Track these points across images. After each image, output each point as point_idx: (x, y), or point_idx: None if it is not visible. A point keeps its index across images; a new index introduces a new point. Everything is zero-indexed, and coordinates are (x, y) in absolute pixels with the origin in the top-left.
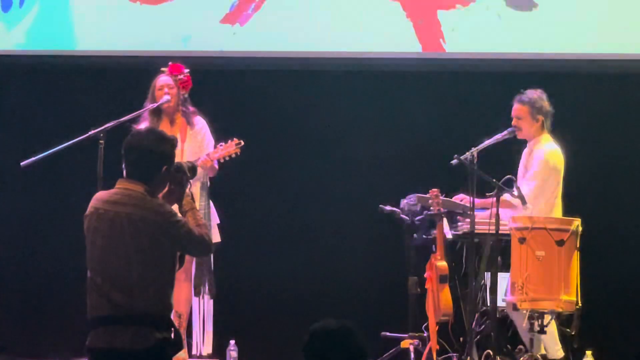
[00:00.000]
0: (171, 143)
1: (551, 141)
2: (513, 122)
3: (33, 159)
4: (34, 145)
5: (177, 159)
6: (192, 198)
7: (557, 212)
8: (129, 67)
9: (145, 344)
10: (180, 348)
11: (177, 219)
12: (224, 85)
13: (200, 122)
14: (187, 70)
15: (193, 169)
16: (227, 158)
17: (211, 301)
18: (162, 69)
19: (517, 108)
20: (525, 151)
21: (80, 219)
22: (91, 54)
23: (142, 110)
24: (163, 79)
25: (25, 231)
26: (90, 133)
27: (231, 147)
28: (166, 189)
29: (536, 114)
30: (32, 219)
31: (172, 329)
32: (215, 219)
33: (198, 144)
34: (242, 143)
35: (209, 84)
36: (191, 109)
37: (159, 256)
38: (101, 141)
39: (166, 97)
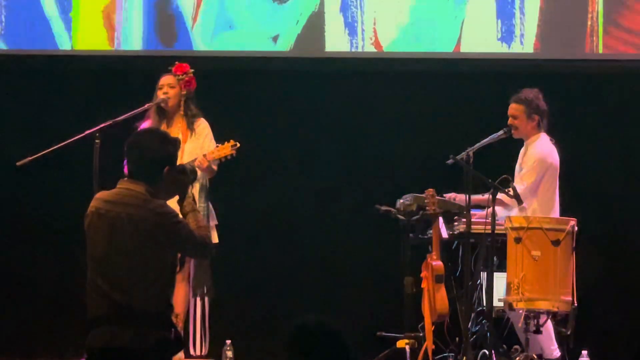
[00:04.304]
0: (174, 144)
1: (547, 141)
2: (509, 121)
3: (29, 158)
4: (30, 145)
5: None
6: (194, 200)
7: (554, 211)
8: (126, 67)
9: (144, 344)
10: (180, 348)
11: (178, 220)
12: (221, 86)
13: (202, 123)
14: (191, 71)
15: (194, 172)
16: (223, 159)
17: (207, 302)
18: (169, 67)
19: (513, 107)
20: (522, 151)
21: (76, 218)
22: (87, 53)
23: (139, 109)
24: (165, 78)
25: (22, 231)
26: (86, 132)
27: (226, 148)
28: (168, 190)
29: (532, 113)
30: (28, 218)
31: (172, 329)
32: (213, 220)
33: (199, 146)
34: (238, 145)
35: (206, 84)
36: (194, 110)
37: (159, 257)
38: (97, 140)
39: (161, 98)
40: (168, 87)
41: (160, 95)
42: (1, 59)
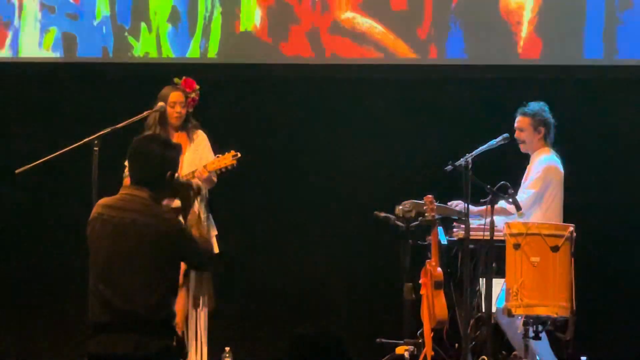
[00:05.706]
0: (176, 149)
1: (553, 153)
2: (515, 134)
3: (28, 166)
4: (29, 152)
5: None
6: (199, 216)
7: (557, 222)
8: (125, 73)
9: (146, 351)
10: (182, 356)
11: (181, 227)
12: (218, 94)
13: (201, 134)
14: (198, 88)
15: (199, 189)
16: (224, 170)
17: (207, 312)
18: (176, 79)
19: (519, 120)
20: (529, 166)
21: (75, 225)
22: (86, 60)
23: (137, 116)
24: (176, 95)
25: (21, 237)
26: (85, 140)
27: (227, 159)
28: (171, 196)
29: (538, 125)
30: (27, 225)
31: (174, 336)
32: (213, 230)
33: (199, 156)
34: (239, 155)
35: (206, 91)
36: (194, 122)
37: (161, 263)
38: (96, 148)
39: (158, 106)
40: (180, 107)
41: (172, 113)
42: (2, 66)
